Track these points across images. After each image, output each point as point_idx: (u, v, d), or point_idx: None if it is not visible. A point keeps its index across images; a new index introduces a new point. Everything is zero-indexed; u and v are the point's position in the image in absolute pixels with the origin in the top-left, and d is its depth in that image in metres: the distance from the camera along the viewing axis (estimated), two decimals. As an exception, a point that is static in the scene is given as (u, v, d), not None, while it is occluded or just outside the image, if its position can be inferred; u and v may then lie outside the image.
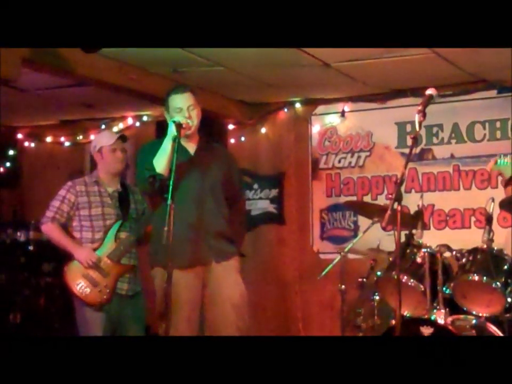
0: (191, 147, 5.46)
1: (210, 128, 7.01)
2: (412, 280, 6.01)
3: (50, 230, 5.92)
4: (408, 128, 7.52)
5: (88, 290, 5.75)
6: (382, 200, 7.52)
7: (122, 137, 6.07)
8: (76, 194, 5.89)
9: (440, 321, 5.77)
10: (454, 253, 6.10)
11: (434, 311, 5.85)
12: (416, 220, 6.29)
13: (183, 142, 5.24)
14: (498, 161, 5.21)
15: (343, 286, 6.52)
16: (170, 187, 4.77)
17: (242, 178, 6.98)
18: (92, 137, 6.52)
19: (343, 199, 7.76)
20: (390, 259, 6.36)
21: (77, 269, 5.79)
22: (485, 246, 5.93)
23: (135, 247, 5.98)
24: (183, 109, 5.33)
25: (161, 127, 5.63)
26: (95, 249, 5.81)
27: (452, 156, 7.44)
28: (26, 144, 9.20)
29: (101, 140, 6.07)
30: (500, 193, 6.37)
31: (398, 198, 4.27)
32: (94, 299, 5.76)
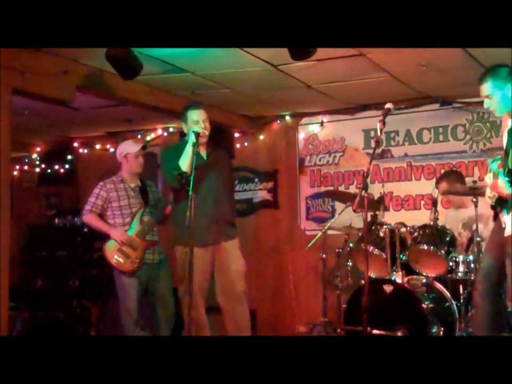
0: (202, 152, 5.52)
1: (221, 136, 7.02)
2: (376, 250, 6.03)
3: (89, 219, 6.09)
4: (372, 134, 7.49)
5: (122, 261, 5.90)
6: (352, 189, 7.50)
7: (144, 147, 6.24)
8: (107, 191, 6.05)
9: (399, 280, 5.79)
10: (408, 228, 6.12)
11: (394, 273, 5.87)
12: (379, 204, 6.32)
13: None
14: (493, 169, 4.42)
15: (324, 255, 6.54)
16: (191, 182, 4.79)
17: (236, 175, 7.46)
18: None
19: (323, 189, 7.77)
20: (360, 234, 6.38)
21: (113, 246, 5.93)
22: (431, 223, 5.95)
23: (155, 227, 6.12)
24: (199, 121, 5.39)
25: (184, 136, 5.65)
26: (125, 231, 5.96)
27: (406, 155, 7.42)
28: (80, 151, 9.18)
29: (127, 147, 6.18)
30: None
31: (365, 187, 4.30)
32: (127, 268, 5.90)
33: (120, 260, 5.87)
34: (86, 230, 8.22)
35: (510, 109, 4.34)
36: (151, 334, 6.05)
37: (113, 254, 5.89)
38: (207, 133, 5.42)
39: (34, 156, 9.40)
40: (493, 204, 4.46)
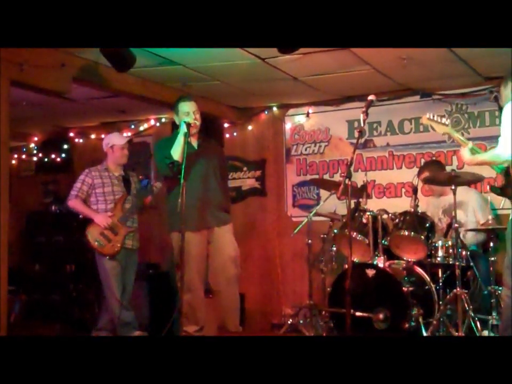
0: (193, 141, 5.53)
1: (211, 127, 7.01)
2: (359, 236, 6.05)
3: (75, 204, 6.17)
4: (356, 124, 7.49)
5: (104, 244, 6.02)
6: (337, 178, 7.50)
7: (130, 140, 6.36)
8: (92, 177, 6.16)
9: (380, 265, 5.82)
10: (389, 215, 6.14)
11: (376, 257, 5.90)
12: (362, 191, 6.34)
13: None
14: (429, 115, 5.07)
15: (309, 241, 6.55)
16: (183, 170, 4.79)
17: (228, 164, 7.30)
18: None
19: (308, 177, 7.77)
20: (344, 220, 6.39)
21: (95, 230, 6.03)
22: (412, 210, 5.98)
23: (136, 214, 6.22)
24: (190, 112, 5.39)
25: (175, 127, 5.66)
26: (108, 216, 6.06)
27: (388, 144, 7.43)
28: (76, 140, 9.14)
29: (113, 139, 6.32)
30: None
31: (349, 176, 4.32)
32: (108, 251, 6.02)
33: (102, 243, 6.02)
34: (81, 216, 8.20)
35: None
36: (133, 313, 6.18)
37: (95, 238, 6.01)
38: (197, 123, 5.45)
39: (32, 145, 9.35)
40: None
